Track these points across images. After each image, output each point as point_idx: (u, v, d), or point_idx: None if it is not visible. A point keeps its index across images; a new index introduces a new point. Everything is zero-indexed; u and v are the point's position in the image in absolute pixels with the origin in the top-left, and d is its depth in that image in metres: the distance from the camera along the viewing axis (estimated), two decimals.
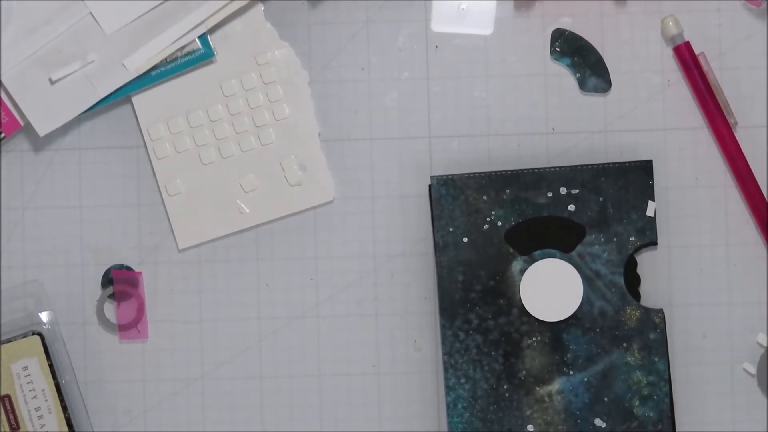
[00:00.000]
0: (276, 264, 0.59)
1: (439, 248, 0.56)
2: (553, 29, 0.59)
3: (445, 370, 0.55)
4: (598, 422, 0.55)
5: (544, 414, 0.55)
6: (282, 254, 0.59)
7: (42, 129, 0.58)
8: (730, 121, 0.58)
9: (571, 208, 0.56)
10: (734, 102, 0.58)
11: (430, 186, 0.56)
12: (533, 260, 0.56)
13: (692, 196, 0.58)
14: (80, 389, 0.58)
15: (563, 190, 0.56)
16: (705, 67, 0.58)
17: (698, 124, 0.58)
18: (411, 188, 0.59)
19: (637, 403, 0.55)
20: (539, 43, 0.59)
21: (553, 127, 0.59)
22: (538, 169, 0.56)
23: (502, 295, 0.56)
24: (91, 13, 0.58)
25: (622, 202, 0.56)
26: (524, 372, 0.55)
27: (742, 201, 0.58)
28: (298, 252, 0.59)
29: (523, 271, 0.56)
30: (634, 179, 0.56)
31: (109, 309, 0.59)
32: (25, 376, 0.56)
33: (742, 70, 0.58)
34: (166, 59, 0.58)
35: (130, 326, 0.59)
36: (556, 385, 0.55)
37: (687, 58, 0.58)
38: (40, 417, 0.56)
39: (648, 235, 0.56)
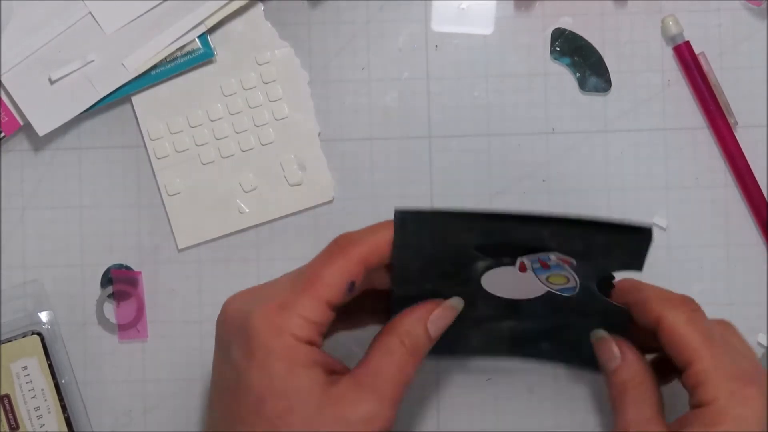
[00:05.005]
0: (276, 264, 0.59)
1: (397, 248, 0.47)
2: (553, 29, 0.59)
3: (391, 317, 0.49)
4: (545, 345, 0.52)
5: (490, 335, 0.52)
6: (282, 254, 0.59)
7: (42, 129, 0.58)
8: (730, 121, 0.58)
9: (553, 246, 0.49)
10: (734, 102, 0.58)
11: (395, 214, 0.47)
12: (500, 264, 0.49)
13: (692, 196, 0.58)
14: (80, 389, 0.58)
15: (546, 235, 0.48)
16: (705, 67, 0.58)
17: (698, 124, 0.58)
18: (411, 188, 0.59)
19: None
20: (539, 43, 0.59)
21: (553, 127, 0.59)
22: (518, 216, 0.47)
23: (462, 279, 0.50)
24: (90, 13, 0.58)
25: (611, 256, 0.48)
26: (475, 315, 0.50)
27: (742, 201, 0.58)
28: (298, 252, 0.59)
29: (488, 268, 0.49)
30: (627, 244, 0.48)
31: (109, 309, 0.59)
32: (25, 375, 0.56)
33: (742, 70, 0.58)
34: (165, 59, 0.58)
35: (130, 326, 0.59)
36: (507, 324, 0.51)
37: (687, 58, 0.58)
38: (40, 417, 0.56)
39: (634, 268, 0.48)
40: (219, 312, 0.48)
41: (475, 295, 0.50)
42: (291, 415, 0.44)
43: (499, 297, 0.50)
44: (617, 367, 0.48)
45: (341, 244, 0.46)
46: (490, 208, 0.49)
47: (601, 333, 0.50)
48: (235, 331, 0.45)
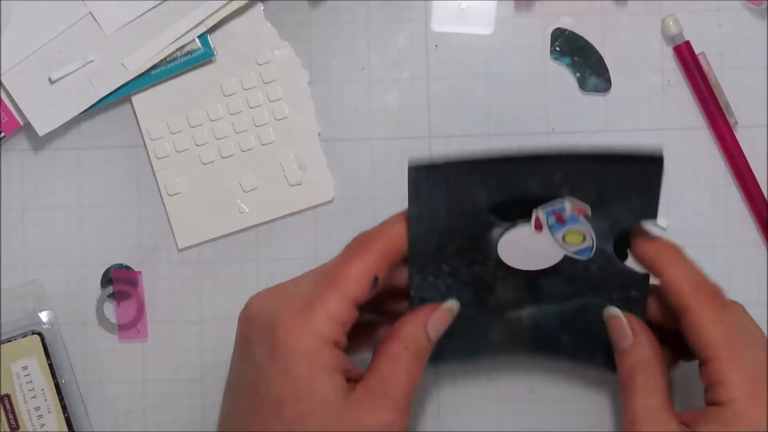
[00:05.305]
0: (276, 264, 0.59)
1: (413, 221, 0.49)
2: (553, 29, 0.59)
3: (412, 305, 0.51)
4: (565, 338, 0.52)
5: (511, 328, 0.52)
6: (282, 254, 0.59)
7: (41, 128, 0.58)
8: (730, 121, 0.58)
9: (565, 191, 0.50)
10: (734, 102, 0.58)
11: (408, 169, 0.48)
12: (515, 225, 0.50)
13: (692, 196, 0.58)
14: (80, 389, 0.58)
15: (558, 178, 0.50)
16: (705, 67, 0.58)
17: (698, 124, 0.58)
18: None
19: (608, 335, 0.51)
20: (539, 43, 0.59)
21: (553, 127, 0.59)
22: (530, 157, 0.48)
23: (479, 251, 0.51)
24: (90, 12, 0.58)
25: (624, 196, 0.49)
26: (494, 301, 0.51)
27: (742, 201, 0.58)
28: (298, 252, 0.59)
29: (505, 231, 0.50)
30: (639, 178, 0.49)
31: (109, 309, 0.59)
32: (25, 375, 0.56)
33: (742, 70, 0.58)
34: (165, 59, 0.58)
35: (130, 326, 0.59)
36: (526, 311, 0.52)
37: (687, 58, 0.58)
38: (40, 417, 0.56)
39: (649, 216, 0.49)
40: (242, 309, 0.48)
41: (493, 274, 0.50)
42: (309, 419, 0.44)
43: (517, 274, 0.50)
44: (628, 348, 0.48)
45: (361, 240, 0.47)
46: (501, 151, 0.49)
47: (614, 311, 0.50)
48: (259, 330, 0.46)
